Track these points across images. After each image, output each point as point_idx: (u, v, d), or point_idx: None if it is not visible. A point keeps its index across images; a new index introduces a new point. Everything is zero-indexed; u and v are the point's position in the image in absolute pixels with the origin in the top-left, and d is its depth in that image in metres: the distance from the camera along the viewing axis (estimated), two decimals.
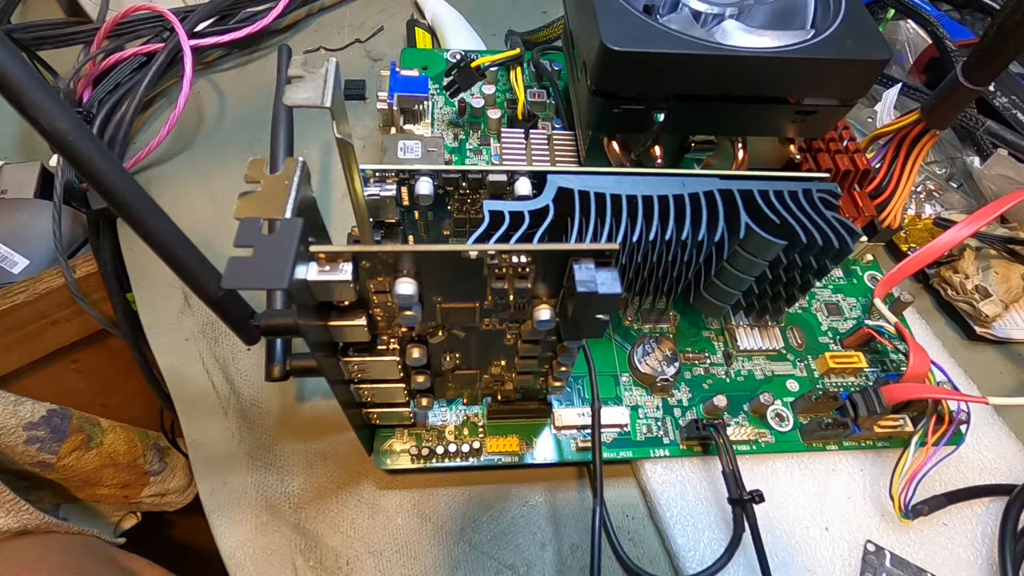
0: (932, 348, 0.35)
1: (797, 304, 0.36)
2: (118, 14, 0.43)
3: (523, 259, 0.19)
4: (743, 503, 0.28)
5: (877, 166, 0.37)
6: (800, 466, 0.32)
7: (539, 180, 0.28)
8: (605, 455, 0.30)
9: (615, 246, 0.19)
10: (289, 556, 0.29)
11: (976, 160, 0.43)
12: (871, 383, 0.34)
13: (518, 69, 0.42)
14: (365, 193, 0.26)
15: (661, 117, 0.31)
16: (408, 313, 0.20)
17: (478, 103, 0.41)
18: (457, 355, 0.25)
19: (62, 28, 0.44)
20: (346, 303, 0.21)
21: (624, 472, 0.32)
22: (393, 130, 0.40)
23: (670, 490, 0.31)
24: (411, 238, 0.32)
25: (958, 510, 0.31)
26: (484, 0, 0.55)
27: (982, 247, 0.39)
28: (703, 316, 0.35)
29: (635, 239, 0.27)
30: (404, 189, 0.28)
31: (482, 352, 0.25)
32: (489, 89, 0.41)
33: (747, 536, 0.28)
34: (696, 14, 0.33)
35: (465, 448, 0.30)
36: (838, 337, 0.36)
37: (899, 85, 0.44)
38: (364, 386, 0.25)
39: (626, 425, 0.31)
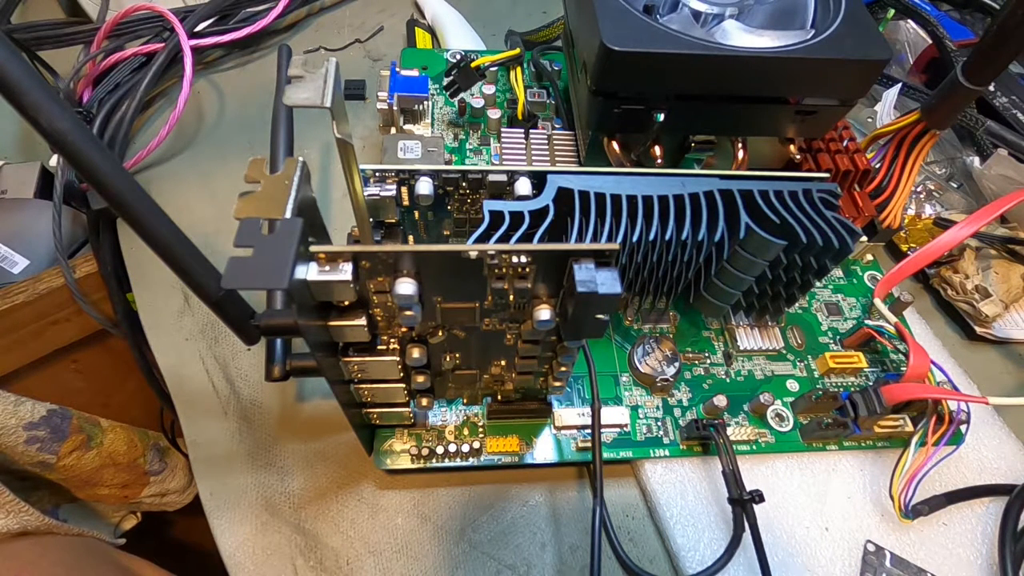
0: (932, 348, 0.35)
1: (797, 304, 0.36)
2: (118, 14, 0.43)
3: (523, 259, 0.19)
4: (743, 503, 0.28)
5: (877, 166, 0.37)
6: (800, 466, 0.32)
7: (539, 180, 0.28)
8: (605, 455, 0.30)
9: (615, 246, 0.19)
10: (289, 556, 0.29)
11: (976, 160, 0.43)
12: (871, 383, 0.34)
13: (518, 69, 0.42)
14: (365, 193, 0.26)
15: (661, 117, 0.31)
16: (408, 313, 0.20)
17: (478, 103, 0.41)
18: (457, 355, 0.25)
19: (62, 28, 0.44)
20: (346, 303, 0.21)
21: (624, 472, 0.32)
22: (393, 130, 0.40)
23: (670, 490, 0.31)
24: (411, 238, 0.32)
25: (958, 510, 0.31)
26: (484, 0, 0.55)
27: (982, 247, 0.39)
28: (703, 316, 0.35)
29: (635, 239, 0.27)
30: (404, 189, 0.28)
31: (482, 352, 0.25)
32: (489, 89, 0.41)
33: (747, 536, 0.28)
34: (696, 14, 0.33)
35: (465, 448, 0.30)
36: (838, 337, 0.36)
37: (899, 85, 0.44)
38: (364, 386, 0.25)
39: (626, 425, 0.31)
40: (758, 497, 0.28)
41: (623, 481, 0.32)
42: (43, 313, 0.40)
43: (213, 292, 0.20)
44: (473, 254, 0.19)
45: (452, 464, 0.30)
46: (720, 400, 0.31)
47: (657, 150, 0.34)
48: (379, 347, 0.23)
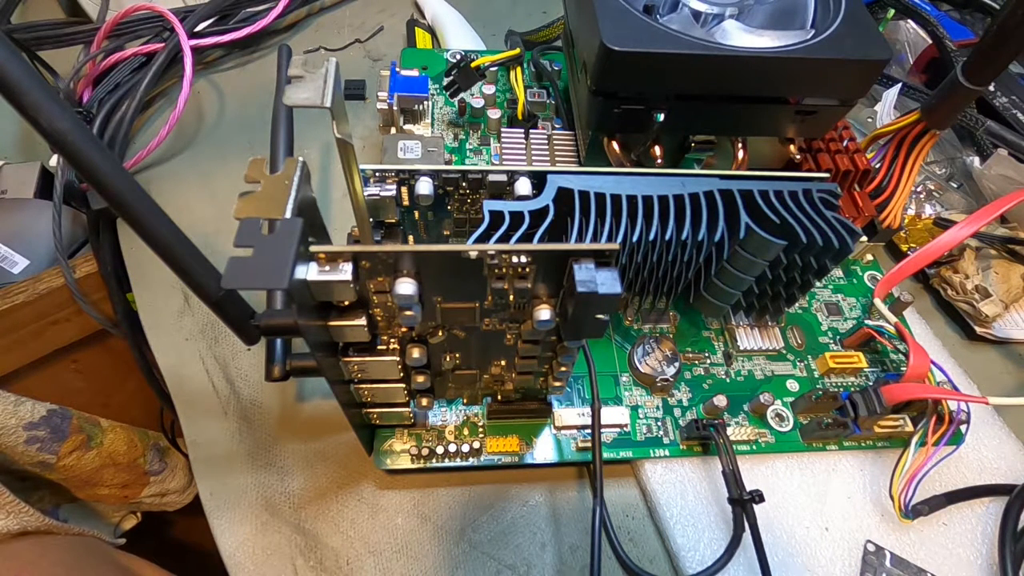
0: (932, 348, 0.35)
1: (797, 304, 0.36)
2: (118, 14, 0.43)
3: (523, 259, 0.19)
4: (743, 503, 0.28)
5: (877, 166, 0.37)
6: (800, 466, 0.32)
7: (539, 180, 0.28)
8: (605, 455, 0.30)
9: (615, 246, 0.19)
10: (289, 556, 0.29)
11: (976, 160, 0.43)
12: (871, 383, 0.34)
13: (518, 69, 0.42)
14: (365, 193, 0.26)
15: (661, 117, 0.31)
16: (408, 313, 0.20)
17: (478, 103, 0.41)
18: (457, 355, 0.25)
19: (62, 28, 0.44)
20: (346, 303, 0.21)
21: (624, 472, 0.32)
22: (393, 130, 0.40)
23: (670, 490, 0.31)
24: (411, 238, 0.32)
25: (958, 510, 0.31)
26: (484, 0, 0.55)
27: (982, 247, 0.39)
28: (703, 316, 0.35)
29: (635, 239, 0.27)
30: (404, 189, 0.28)
31: (482, 352, 0.25)
32: (489, 89, 0.41)
33: (747, 536, 0.28)
34: (696, 14, 0.33)
35: (465, 448, 0.30)
36: (838, 337, 0.36)
37: (899, 85, 0.44)
38: (364, 386, 0.25)
39: (626, 425, 0.31)
40: (758, 497, 0.28)
41: (623, 481, 0.32)
42: (43, 313, 0.40)
43: (213, 292, 0.20)
44: (473, 254, 0.19)
45: (452, 464, 0.30)
46: (720, 400, 0.31)
47: (657, 150, 0.34)
48: (379, 347, 0.23)
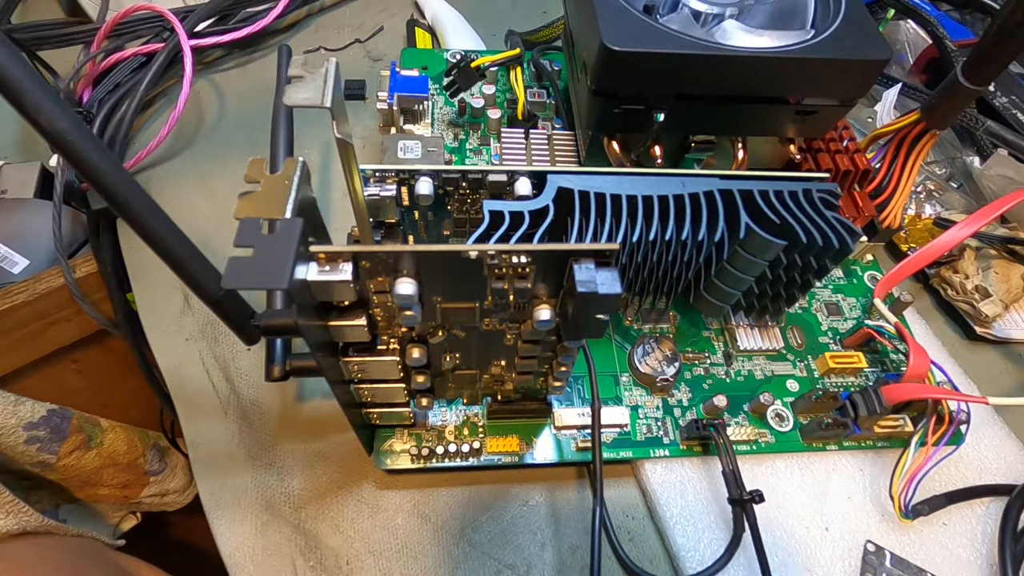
0: (932, 348, 0.35)
1: (797, 304, 0.36)
2: (118, 14, 0.43)
3: (523, 259, 0.19)
4: (743, 503, 0.28)
5: (877, 166, 0.37)
6: (800, 466, 0.32)
7: (539, 180, 0.28)
8: (605, 455, 0.30)
9: (615, 246, 0.19)
10: (289, 556, 0.29)
11: (976, 160, 0.43)
12: (871, 383, 0.34)
13: (518, 69, 0.42)
14: (365, 193, 0.26)
15: (661, 117, 0.31)
16: (408, 313, 0.20)
17: (478, 103, 0.41)
18: (457, 355, 0.25)
19: (62, 28, 0.44)
20: (346, 303, 0.21)
21: (624, 472, 0.32)
22: (393, 130, 0.40)
23: (670, 490, 0.31)
24: (411, 238, 0.32)
25: (958, 510, 0.31)
26: (484, 0, 0.55)
27: (982, 247, 0.39)
28: (703, 316, 0.35)
29: (635, 239, 0.27)
30: (404, 189, 0.28)
31: (482, 352, 0.25)
32: (489, 89, 0.41)
33: (747, 536, 0.28)
34: (696, 14, 0.33)
35: (465, 448, 0.30)
36: (838, 337, 0.36)
37: (899, 85, 0.44)
38: (364, 386, 0.25)
39: (626, 425, 0.31)
40: (758, 497, 0.28)
41: (623, 481, 0.32)
42: (43, 313, 0.40)
43: (213, 292, 0.20)
44: (473, 254, 0.19)
45: (452, 464, 0.30)
46: (720, 400, 0.31)
47: (657, 150, 0.34)
48: (379, 347, 0.23)
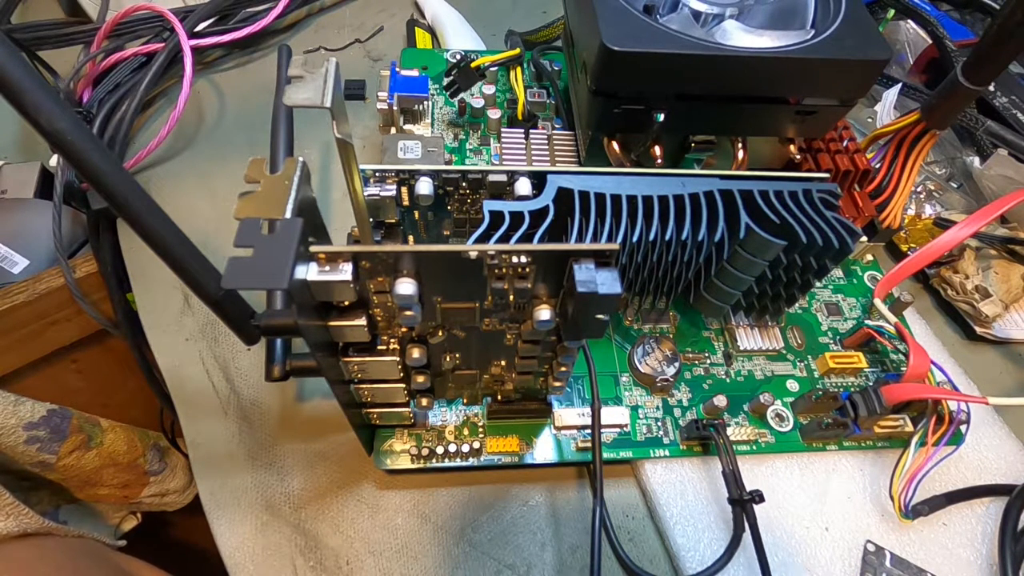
0: (932, 348, 0.35)
1: (797, 304, 0.36)
2: (118, 14, 0.43)
3: (523, 259, 0.19)
4: (743, 503, 0.28)
5: (877, 166, 0.37)
6: (800, 466, 0.32)
7: (539, 180, 0.28)
8: (605, 455, 0.30)
9: (615, 246, 0.19)
10: (289, 556, 0.29)
11: (976, 160, 0.43)
12: (871, 383, 0.34)
13: (518, 69, 0.42)
14: (365, 193, 0.26)
15: (661, 117, 0.31)
16: (408, 313, 0.20)
17: (478, 103, 0.41)
18: (457, 355, 0.25)
19: (62, 28, 0.44)
20: (346, 303, 0.21)
21: (624, 472, 0.32)
22: (393, 130, 0.40)
23: (670, 490, 0.31)
24: (411, 238, 0.32)
25: (958, 510, 0.31)
26: (484, 0, 0.55)
27: (982, 247, 0.39)
28: (703, 316, 0.35)
29: (635, 239, 0.27)
30: (404, 189, 0.28)
31: (482, 352, 0.25)
32: (489, 89, 0.41)
33: (747, 536, 0.28)
34: (696, 14, 0.33)
35: (465, 448, 0.30)
36: (838, 337, 0.36)
37: (899, 85, 0.44)
38: (364, 386, 0.25)
39: (626, 425, 0.31)
40: (758, 497, 0.28)
41: (623, 481, 0.32)
42: (43, 313, 0.40)
43: (213, 292, 0.20)
44: (473, 254, 0.19)
45: (452, 464, 0.30)
46: (720, 400, 0.31)
47: (657, 150, 0.34)
48: (379, 347, 0.23)
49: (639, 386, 0.33)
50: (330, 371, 0.22)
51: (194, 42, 0.44)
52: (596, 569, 0.26)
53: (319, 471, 0.31)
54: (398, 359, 0.24)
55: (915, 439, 0.31)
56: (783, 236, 0.27)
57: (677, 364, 0.33)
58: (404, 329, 0.23)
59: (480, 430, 0.31)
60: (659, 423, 0.32)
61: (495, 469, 0.31)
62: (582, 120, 0.35)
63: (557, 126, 0.42)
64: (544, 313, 0.21)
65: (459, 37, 0.49)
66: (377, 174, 0.27)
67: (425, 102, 0.41)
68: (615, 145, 0.34)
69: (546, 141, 0.39)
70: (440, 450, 0.29)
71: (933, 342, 0.37)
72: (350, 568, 0.29)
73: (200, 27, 0.45)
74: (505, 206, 0.26)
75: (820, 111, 0.32)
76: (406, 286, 0.19)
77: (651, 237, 0.27)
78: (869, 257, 0.40)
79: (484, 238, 0.26)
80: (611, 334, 0.35)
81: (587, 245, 0.19)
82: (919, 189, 0.44)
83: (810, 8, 0.32)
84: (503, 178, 0.28)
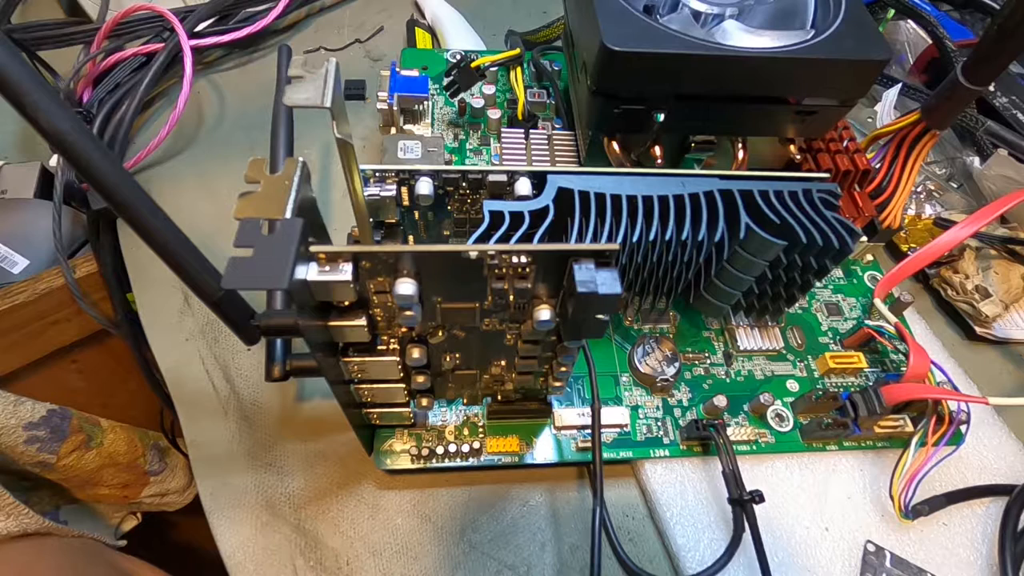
0: (932, 348, 0.35)
1: (797, 304, 0.36)
2: (118, 14, 0.43)
3: (523, 259, 0.19)
4: (743, 503, 0.28)
5: (877, 166, 0.37)
6: (800, 466, 0.32)
7: (539, 180, 0.28)
8: (605, 455, 0.30)
9: (615, 246, 0.19)
10: (289, 556, 0.29)
11: (976, 160, 0.43)
12: (871, 383, 0.34)
13: (518, 69, 0.42)
14: (365, 193, 0.26)
15: (661, 117, 0.31)
16: (408, 313, 0.20)
17: (478, 103, 0.41)
18: (457, 355, 0.25)
19: (62, 28, 0.44)
20: (346, 303, 0.21)
21: (624, 472, 0.32)
22: (393, 130, 0.40)
23: (670, 490, 0.31)
24: (411, 238, 0.32)
25: (958, 510, 0.31)
26: (484, 0, 0.55)
27: (982, 247, 0.39)
28: (703, 316, 0.35)
29: (635, 239, 0.27)
30: (404, 189, 0.28)
31: (482, 352, 0.25)
32: (489, 89, 0.41)
33: (747, 536, 0.28)
34: (696, 14, 0.33)
35: (465, 448, 0.30)
36: (838, 337, 0.36)
37: (899, 85, 0.44)
38: (364, 386, 0.25)
39: (626, 425, 0.31)
40: (758, 497, 0.28)
41: (623, 481, 0.32)
42: (43, 313, 0.40)
43: (213, 292, 0.20)
44: (473, 254, 0.19)
45: (452, 464, 0.30)
46: (720, 400, 0.31)
47: (657, 150, 0.34)
48: (379, 347, 0.23)
49: (639, 386, 0.33)
50: (330, 371, 0.22)
51: (194, 42, 0.44)
52: (596, 569, 0.26)
53: (319, 471, 0.31)
54: (398, 359, 0.24)
55: (915, 439, 0.31)
56: (783, 236, 0.27)
57: (677, 364, 0.33)
58: (404, 329, 0.23)
59: (480, 430, 0.31)
60: (659, 423, 0.32)
61: (495, 469, 0.31)
62: (582, 120, 0.35)
63: (557, 126, 0.42)
64: (544, 313, 0.21)
65: (459, 37, 0.49)
66: (377, 174, 0.27)
67: (425, 102, 0.41)
68: (615, 145, 0.34)
69: (546, 141, 0.39)
70: (440, 450, 0.29)
71: (933, 342, 0.37)
72: (350, 568, 0.29)
73: (200, 27, 0.45)
74: (505, 206, 0.26)
75: (820, 111, 0.32)
76: (406, 286, 0.19)
77: (651, 237, 0.27)
78: (869, 257, 0.40)
79: (484, 238, 0.26)
80: (611, 334, 0.35)
81: (587, 245, 0.19)
82: (919, 189, 0.44)
83: (810, 8, 0.32)
84: (503, 178, 0.28)
